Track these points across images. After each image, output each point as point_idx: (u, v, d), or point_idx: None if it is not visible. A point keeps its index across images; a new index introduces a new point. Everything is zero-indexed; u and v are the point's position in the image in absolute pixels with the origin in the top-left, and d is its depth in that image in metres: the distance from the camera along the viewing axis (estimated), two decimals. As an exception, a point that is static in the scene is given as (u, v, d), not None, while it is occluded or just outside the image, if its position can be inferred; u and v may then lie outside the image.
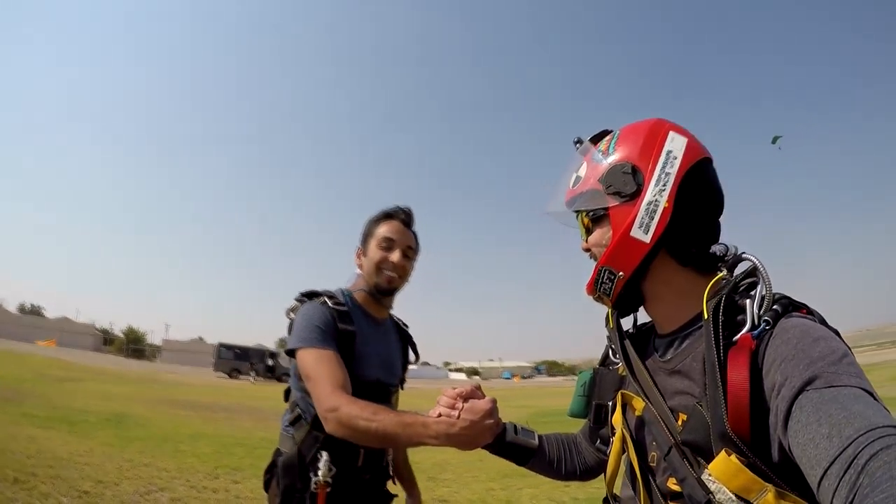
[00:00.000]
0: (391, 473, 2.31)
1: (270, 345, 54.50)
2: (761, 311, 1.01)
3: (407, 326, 2.48)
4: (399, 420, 1.58)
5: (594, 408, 1.41)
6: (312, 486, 1.91)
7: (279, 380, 42.18)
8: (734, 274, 1.13)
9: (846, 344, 0.94)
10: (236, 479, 6.90)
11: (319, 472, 1.89)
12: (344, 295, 2.18)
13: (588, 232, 1.28)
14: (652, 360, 1.26)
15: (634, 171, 1.18)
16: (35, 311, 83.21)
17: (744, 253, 1.15)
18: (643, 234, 1.16)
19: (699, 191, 1.17)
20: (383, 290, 2.17)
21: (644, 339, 1.36)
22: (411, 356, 2.46)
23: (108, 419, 10.86)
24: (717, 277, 1.13)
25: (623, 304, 1.28)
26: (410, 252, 2.23)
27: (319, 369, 1.83)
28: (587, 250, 1.30)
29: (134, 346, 74.02)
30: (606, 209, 1.20)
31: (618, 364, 1.38)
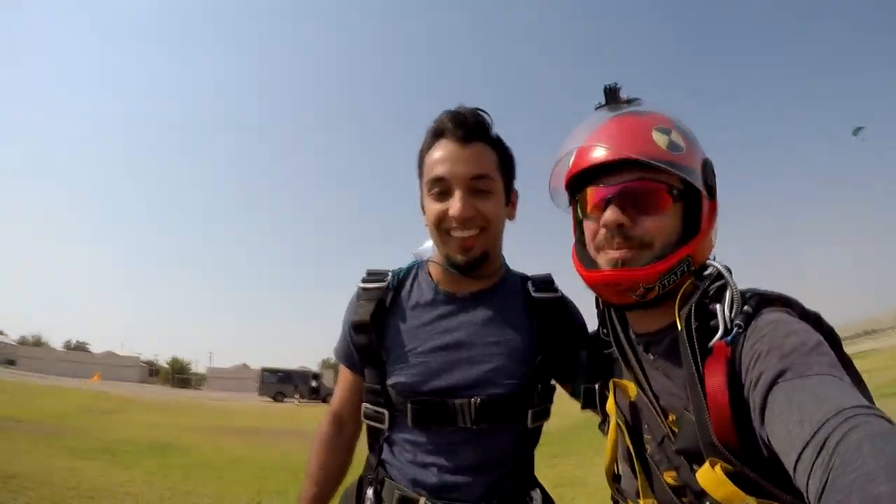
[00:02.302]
0: None
1: (314, 366, 55.01)
2: (732, 315, 1.02)
3: (548, 289, 1.58)
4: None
5: (584, 391, 1.40)
6: None
7: (324, 401, 41.79)
8: (702, 278, 1.14)
9: (826, 331, 0.99)
10: (279, 502, 6.68)
11: None
12: (413, 270, 1.64)
13: (631, 213, 1.15)
14: (639, 353, 1.25)
15: (715, 174, 1.20)
16: (80, 347, 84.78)
17: (707, 260, 1.17)
18: (714, 237, 1.21)
19: None
20: (460, 264, 1.46)
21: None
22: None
23: (151, 448, 10.72)
24: (685, 284, 1.14)
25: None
26: (484, 182, 1.43)
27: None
28: (618, 232, 1.14)
29: (179, 375, 75.07)
30: (700, 196, 1.16)
31: (610, 348, 1.36)
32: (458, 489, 1.40)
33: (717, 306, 1.04)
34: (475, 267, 1.47)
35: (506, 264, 1.65)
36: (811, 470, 0.72)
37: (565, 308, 1.58)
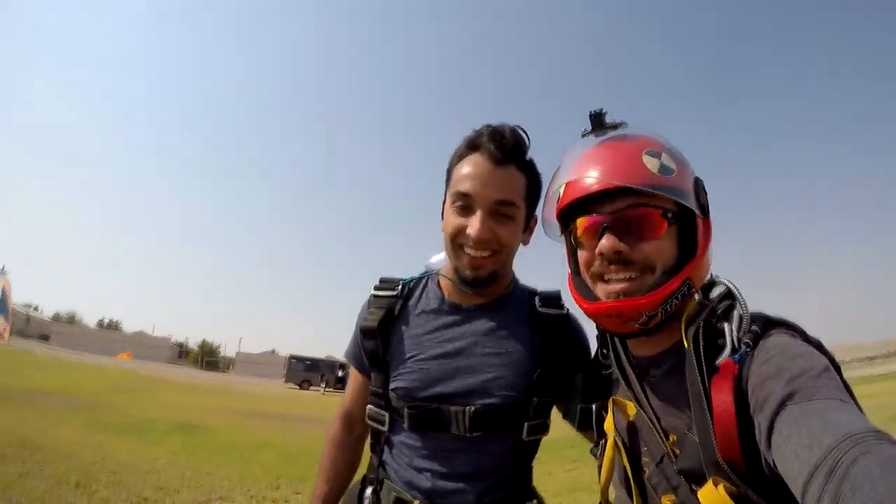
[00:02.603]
0: None
1: (340, 356, 55.21)
2: (740, 334, 1.00)
3: (555, 306, 1.56)
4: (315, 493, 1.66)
5: (579, 411, 1.37)
6: None
7: (350, 390, 41.89)
8: (710, 298, 1.12)
9: (829, 357, 0.95)
10: (298, 489, 6.69)
11: None
12: (424, 280, 1.65)
13: (629, 238, 1.12)
14: (640, 374, 1.23)
15: (706, 193, 1.19)
16: (113, 326, 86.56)
17: (717, 277, 1.16)
18: (710, 257, 1.18)
19: None
20: (468, 280, 1.46)
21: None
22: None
23: (177, 428, 10.91)
24: (692, 303, 1.12)
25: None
26: (508, 209, 1.41)
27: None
28: (616, 259, 1.12)
29: (208, 358, 76.19)
30: (694, 217, 1.14)
31: (609, 369, 1.33)
32: (451, 495, 1.40)
33: (726, 325, 1.03)
34: (482, 285, 1.48)
35: (515, 279, 1.64)
36: (821, 495, 0.70)
37: (570, 326, 1.56)
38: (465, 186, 1.40)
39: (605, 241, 1.11)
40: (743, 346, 0.96)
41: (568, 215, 1.23)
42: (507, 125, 1.45)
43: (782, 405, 0.84)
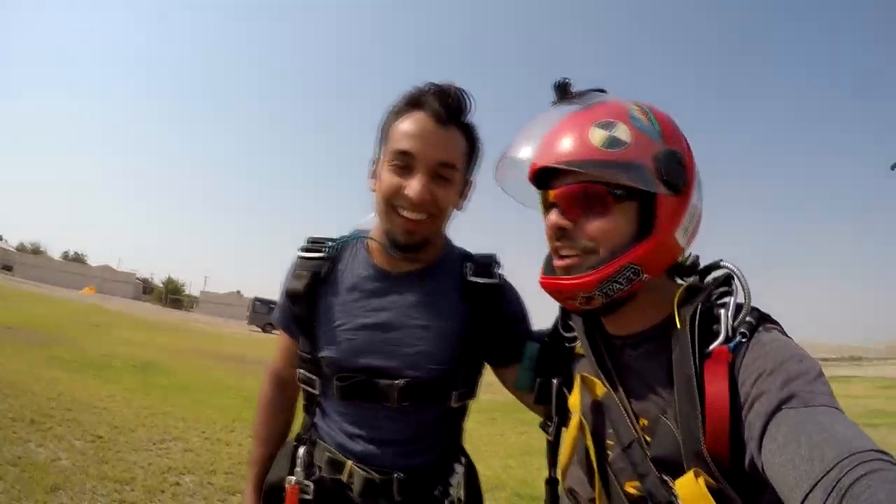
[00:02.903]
0: None
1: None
2: (735, 323, 0.97)
3: (486, 274, 1.51)
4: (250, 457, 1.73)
5: (538, 385, 1.31)
6: (286, 483, 1.50)
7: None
8: (705, 281, 1.10)
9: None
10: (252, 434, 6.70)
11: (295, 471, 1.51)
12: (353, 242, 1.58)
13: (566, 212, 1.08)
14: (615, 352, 1.17)
15: (684, 166, 1.04)
16: (78, 259, 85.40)
17: (721, 260, 1.09)
18: (683, 238, 1.07)
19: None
20: (399, 245, 1.41)
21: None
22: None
23: (135, 366, 10.88)
24: (686, 284, 1.10)
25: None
26: (448, 171, 1.37)
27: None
28: (560, 234, 1.08)
29: (172, 296, 75.58)
30: (654, 196, 1.02)
31: (573, 342, 1.31)
32: (382, 458, 1.43)
33: (722, 311, 0.99)
34: (414, 250, 1.43)
35: (449, 243, 1.60)
36: None
37: (500, 295, 1.51)
38: (405, 145, 1.33)
39: (550, 217, 1.08)
40: (739, 336, 0.94)
41: (540, 186, 1.18)
42: (451, 84, 1.39)
43: (778, 408, 0.81)
